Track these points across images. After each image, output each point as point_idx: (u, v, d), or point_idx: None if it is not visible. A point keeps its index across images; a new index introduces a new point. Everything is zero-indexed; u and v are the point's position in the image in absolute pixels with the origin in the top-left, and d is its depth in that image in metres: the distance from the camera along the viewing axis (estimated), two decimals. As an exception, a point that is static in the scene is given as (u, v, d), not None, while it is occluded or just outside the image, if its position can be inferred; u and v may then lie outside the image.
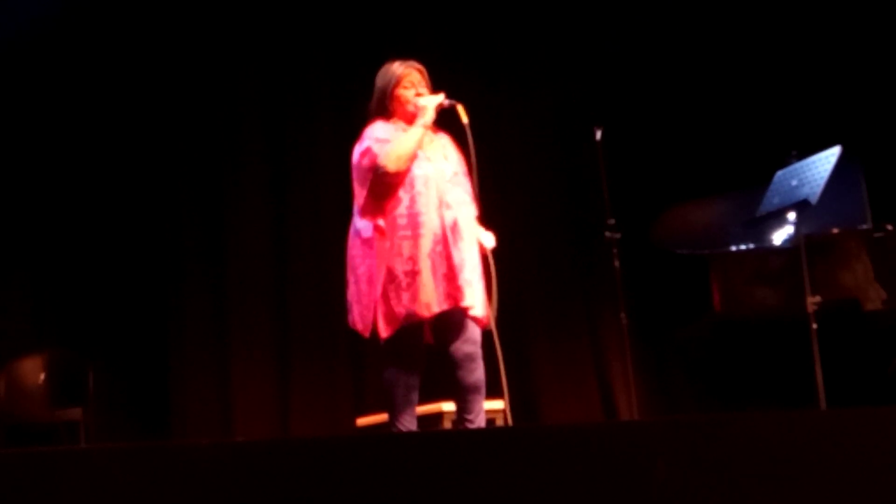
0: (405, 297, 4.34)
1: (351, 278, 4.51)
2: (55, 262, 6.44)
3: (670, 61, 6.89)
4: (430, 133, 4.57)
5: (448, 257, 4.37)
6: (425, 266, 4.35)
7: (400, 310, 4.35)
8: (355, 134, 4.64)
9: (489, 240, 4.63)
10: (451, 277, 4.37)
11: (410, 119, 4.54)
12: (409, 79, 4.58)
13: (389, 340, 4.38)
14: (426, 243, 4.37)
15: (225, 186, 6.65)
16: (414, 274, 4.34)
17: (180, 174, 6.64)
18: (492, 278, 4.56)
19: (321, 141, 6.74)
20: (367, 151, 4.46)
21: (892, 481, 3.04)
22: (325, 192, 6.65)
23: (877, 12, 6.65)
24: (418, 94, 4.56)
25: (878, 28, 6.65)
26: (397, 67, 4.60)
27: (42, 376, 6.22)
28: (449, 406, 5.03)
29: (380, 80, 4.61)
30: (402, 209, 4.40)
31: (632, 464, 3.02)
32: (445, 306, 4.36)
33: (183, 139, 6.67)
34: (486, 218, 4.76)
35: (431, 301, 4.34)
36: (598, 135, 5.59)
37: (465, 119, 4.55)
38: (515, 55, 7.01)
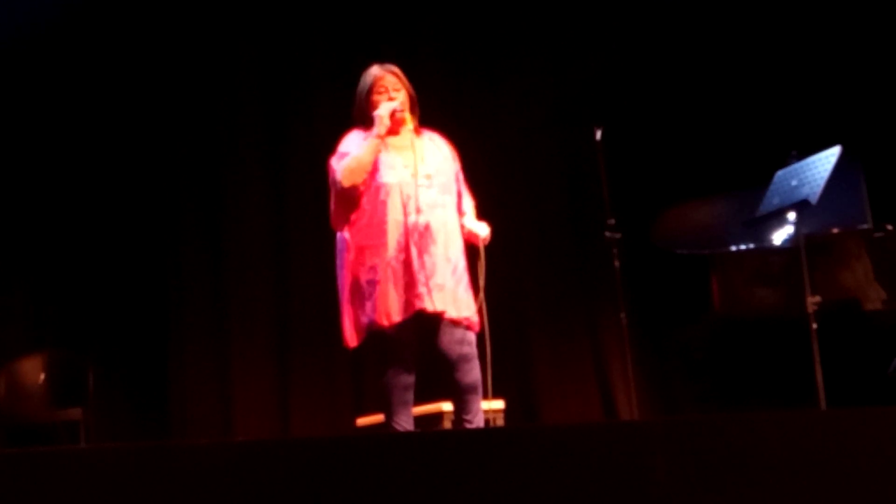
0: (368, 306, 4.41)
1: (339, 289, 4.58)
2: (55, 262, 6.45)
3: (670, 61, 6.88)
4: (411, 135, 4.56)
5: (408, 264, 4.38)
6: (386, 276, 4.38)
7: (364, 319, 4.42)
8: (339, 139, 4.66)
9: (482, 229, 4.61)
10: (410, 285, 4.38)
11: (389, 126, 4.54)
12: (382, 83, 4.58)
13: (366, 347, 4.46)
14: (388, 252, 4.39)
15: (225, 187, 6.65)
16: (375, 283, 4.39)
17: (180, 174, 6.64)
18: (479, 272, 4.54)
19: (321, 141, 6.70)
20: (330, 165, 4.54)
21: (892, 481, 3.04)
22: (325, 192, 6.63)
23: (877, 12, 6.65)
24: (390, 99, 4.55)
25: (878, 28, 6.65)
26: (372, 72, 4.61)
27: (42, 376, 6.22)
28: (449, 406, 5.03)
29: (359, 85, 4.63)
30: (366, 219, 4.45)
31: (632, 464, 3.02)
32: (405, 315, 4.38)
33: (182, 140, 6.67)
34: (486, 218, 4.75)
35: (392, 310, 4.38)
36: (598, 135, 5.59)
37: (410, 126, 4.54)
38: (515, 55, 7.00)
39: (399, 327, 4.39)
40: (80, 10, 6.51)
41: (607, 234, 5.54)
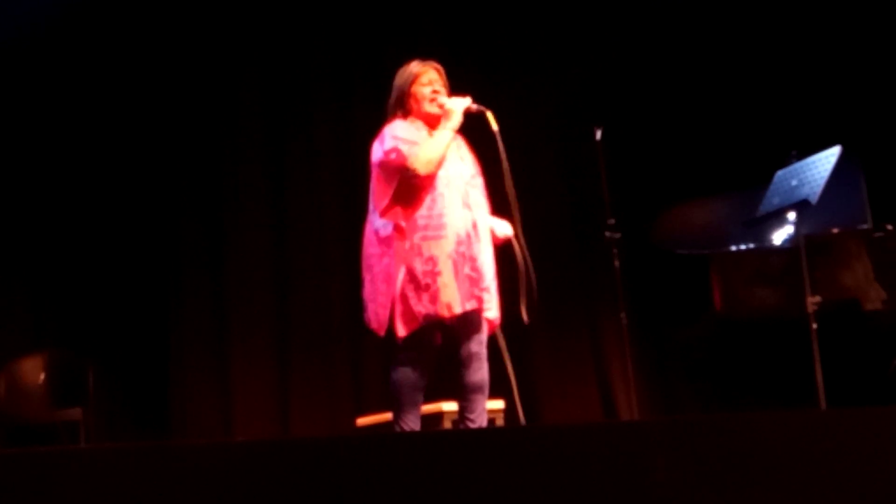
0: (425, 297, 4.32)
1: (367, 277, 4.49)
2: (55, 262, 6.45)
3: (670, 61, 6.89)
4: None
5: (472, 258, 4.38)
6: (447, 267, 4.33)
7: (420, 309, 4.32)
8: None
9: (506, 228, 4.63)
10: (475, 279, 4.37)
11: (427, 117, 4.53)
12: (426, 76, 4.57)
13: (412, 339, 4.36)
14: (448, 244, 4.35)
15: (225, 187, 6.65)
16: (435, 275, 4.32)
17: (180, 174, 6.64)
18: (528, 266, 4.55)
19: (321, 141, 6.75)
20: (395, 150, 4.41)
21: (892, 481, 3.04)
22: (325, 192, 6.66)
23: (877, 12, 6.65)
24: (435, 92, 4.54)
25: (878, 28, 6.65)
26: (415, 66, 4.59)
27: (42, 376, 6.22)
28: (449, 406, 5.03)
29: (398, 78, 4.60)
30: (423, 210, 4.39)
31: (632, 464, 3.02)
32: (468, 307, 4.36)
33: (183, 140, 6.67)
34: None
35: (453, 301, 4.32)
36: (598, 135, 5.59)
37: (494, 126, 4.53)
38: (516, 55, 7.01)
39: (454, 320, 4.36)
40: (81, 12, 6.51)
41: (607, 234, 5.53)
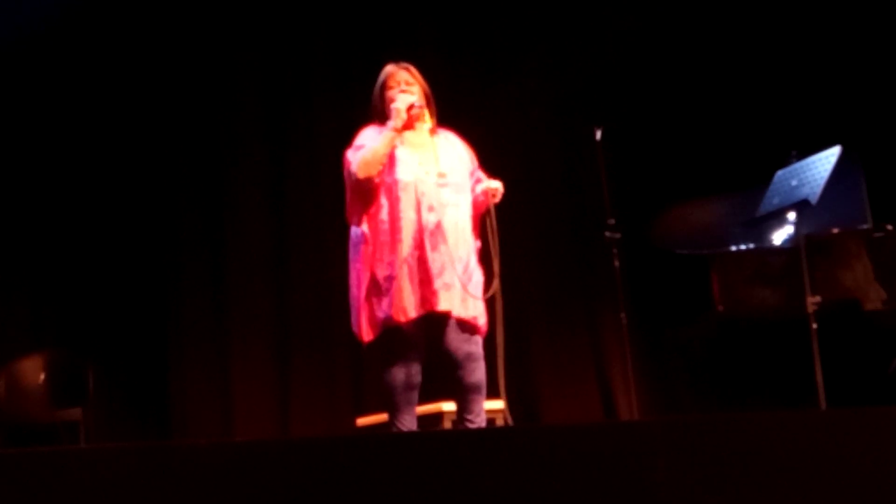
0: (384, 301, 4.38)
1: (348, 282, 4.54)
2: (55, 262, 6.44)
3: (670, 61, 6.89)
4: (425, 134, 4.57)
5: (423, 261, 4.38)
6: (402, 272, 4.37)
7: (380, 314, 4.39)
8: (356, 134, 4.65)
9: (494, 182, 4.61)
10: (425, 282, 4.37)
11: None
12: (394, 78, 4.59)
13: (379, 342, 4.41)
14: (404, 248, 4.38)
15: (225, 186, 6.65)
16: (391, 279, 4.37)
17: (180, 174, 6.64)
18: (494, 239, 4.55)
19: (321, 141, 6.74)
20: (345, 158, 4.53)
21: (892, 481, 3.04)
22: (325, 193, 6.65)
23: (876, 12, 6.65)
24: (401, 92, 4.55)
25: (878, 28, 6.65)
26: (387, 69, 4.63)
27: (42, 376, 6.21)
28: (449, 406, 5.03)
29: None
30: (383, 214, 4.43)
31: (632, 464, 3.02)
32: (421, 311, 4.37)
33: (183, 139, 6.67)
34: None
35: (408, 306, 4.36)
36: (598, 135, 5.58)
37: (428, 124, 4.56)
38: (515, 54, 7.00)
39: (413, 324, 4.38)
40: (80, 11, 6.51)
41: (607, 234, 5.53)
